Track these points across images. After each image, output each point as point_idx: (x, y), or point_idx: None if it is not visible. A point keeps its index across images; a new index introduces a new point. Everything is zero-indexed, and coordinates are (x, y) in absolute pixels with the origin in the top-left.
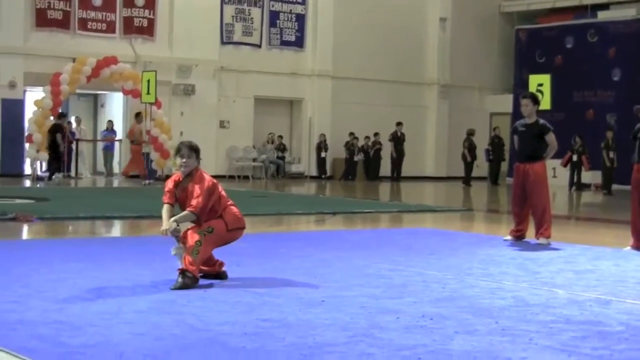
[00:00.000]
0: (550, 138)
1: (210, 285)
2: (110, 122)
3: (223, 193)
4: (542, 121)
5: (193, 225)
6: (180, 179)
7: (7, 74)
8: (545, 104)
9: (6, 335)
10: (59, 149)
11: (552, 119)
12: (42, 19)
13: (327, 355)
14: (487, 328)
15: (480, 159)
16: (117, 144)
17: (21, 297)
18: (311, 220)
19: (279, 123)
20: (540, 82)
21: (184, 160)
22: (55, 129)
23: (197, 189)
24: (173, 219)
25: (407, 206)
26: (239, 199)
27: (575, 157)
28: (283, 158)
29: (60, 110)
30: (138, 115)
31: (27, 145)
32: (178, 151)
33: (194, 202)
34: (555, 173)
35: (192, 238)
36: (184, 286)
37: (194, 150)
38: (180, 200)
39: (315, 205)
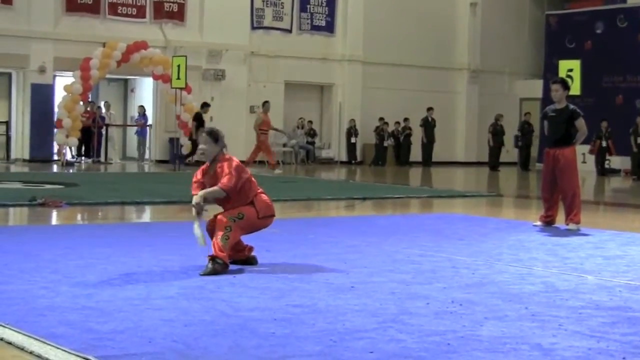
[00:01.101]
0: (580, 123)
1: (239, 271)
2: (142, 107)
3: (253, 179)
4: (572, 106)
5: (223, 211)
6: (208, 167)
7: (37, 59)
8: (575, 89)
9: (35, 321)
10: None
11: (582, 104)
12: (72, 4)
13: (356, 341)
14: (516, 314)
15: (509, 144)
16: (148, 129)
17: (50, 282)
18: (341, 205)
19: (309, 108)
20: (570, 68)
21: (201, 146)
22: (196, 118)
23: (225, 168)
24: (201, 192)
25: (437, 191)
26: (269, 184)
27: (604, 143)
28: (313, 143)
29: (204, 101)
30: (265, 103)
31: (56, 130)
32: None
33: (224, 179)
34: (584, 159)
35: (222, 223)
36: (213, 272)
37: (210, 136)
38: (210, 186)
39: (345, 190)
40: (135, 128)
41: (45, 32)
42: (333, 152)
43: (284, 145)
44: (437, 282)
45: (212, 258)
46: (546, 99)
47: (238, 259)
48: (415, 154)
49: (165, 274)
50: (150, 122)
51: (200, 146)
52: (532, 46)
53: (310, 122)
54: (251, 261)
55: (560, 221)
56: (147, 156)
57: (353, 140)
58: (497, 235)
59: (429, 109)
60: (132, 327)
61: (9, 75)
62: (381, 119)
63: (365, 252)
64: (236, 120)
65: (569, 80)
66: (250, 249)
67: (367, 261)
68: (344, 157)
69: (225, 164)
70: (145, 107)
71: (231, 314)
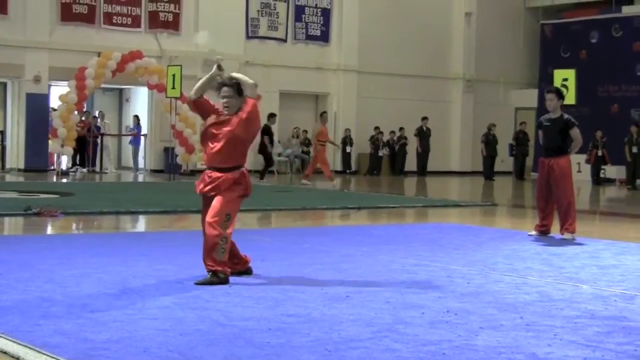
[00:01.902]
0: (575, 133)
1: (234, 281)
2: (136, 117)
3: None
4: (566, 116)
5: (211, 213)
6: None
7: (32, 68)
8: (570, 98)
9: (30, 330)
10: (266, 150)
11: (577, 114)
12: (68, 13)
13: (351, 350)
14: (511, 323)
15: (503, 154)
16: (142, 139)
17: (45, 292)
18: (336, 215)
19: (304, 118)
20: (565, 77)
21: (226, 100)
22: (264, 131)
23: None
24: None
25: (432, 201)
26: (264, 193)
27: (600, 152)
28: (308, 153)
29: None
30: (323, 114)
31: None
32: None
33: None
34: (579, 168)
35: (214, 237)
36: (209, 283)
37: (234, 88)
38: (211, 134)
39: (340, 200)
40: (129, 137)
41: (40, 42)
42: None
43: (279, 155)
44: (432, 291)
45: (214, 272)
46: (541, 109)
47: (235, 270)
48: (410, 163)
49: (160, 283)
50: (145, 131)
51: (225, 100)
52: (527, 55)
53: (305, 131)
54: (247, 271)
55: (555, 230)
56: (140, 165)
57: (348, 149)
58: (492, 244)
59: (424, 119)
60: (127, 336)
61: (4, 84)
62: (376, 128)
63: (360, 261)
64: None
65: (563, 89)
66: (247, 260)
67: (362, 270)
68: (339, 166)
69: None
70: (140, 117)
71: (226, 323)
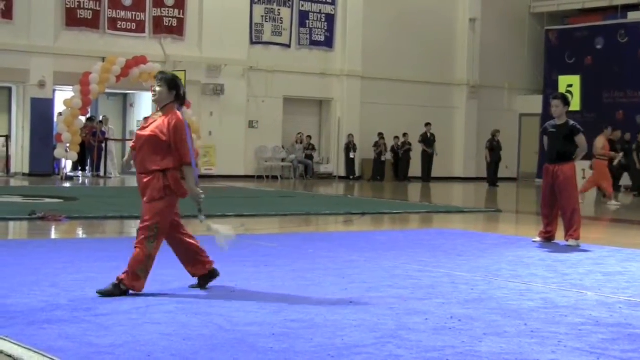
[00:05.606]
0: (580, 139)
1: (237, 286)
2: (100, 123)
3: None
4: (572, 122)
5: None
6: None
7: (37, 73)
8: (575, 105)
9: (35, 334)
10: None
11: (583, 120)
12: (72, 19)
13: (354, 356)
14: (515, 330)
15: (507, 161)
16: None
17: (50, 296)
18: (339, 220)
19: (308, 123)
20: (570, 83)
21: (156, 88)
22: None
23: (172, 131)
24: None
25: (436, 207)
26: (268, 198)
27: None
28: (312, 158)
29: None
30: (608, 128)
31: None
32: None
33: (183, 152)
34: (584, 174)
35: (141, 251)
36: (109, 294)
37: (165, 81)
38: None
39: (344, 205)
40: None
41: (45, 47)
42: (332, 167)
43: (283, 160)
44: (435, 297)
45: (123, 284)
46: (546, 115)
47: (200, 273)
48: (414, 169)
49: (164, 288)
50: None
51: (155, 88)
52: (531, 62)
53: (309, 137)
54: (215, 273)
55: (559, 237)
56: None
57: (352, 155)
58: (496, 251)
59: (427, 125)
60: (131, 341)
61: (9, 89)
62: (380, 134)
63: (364, 267)
64: (235, 135)
65: (569, 95)
66: (211, 262)
67: (365, 276)
68: (342, 172)
69: (172, 123)
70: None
71: (229, 328)
